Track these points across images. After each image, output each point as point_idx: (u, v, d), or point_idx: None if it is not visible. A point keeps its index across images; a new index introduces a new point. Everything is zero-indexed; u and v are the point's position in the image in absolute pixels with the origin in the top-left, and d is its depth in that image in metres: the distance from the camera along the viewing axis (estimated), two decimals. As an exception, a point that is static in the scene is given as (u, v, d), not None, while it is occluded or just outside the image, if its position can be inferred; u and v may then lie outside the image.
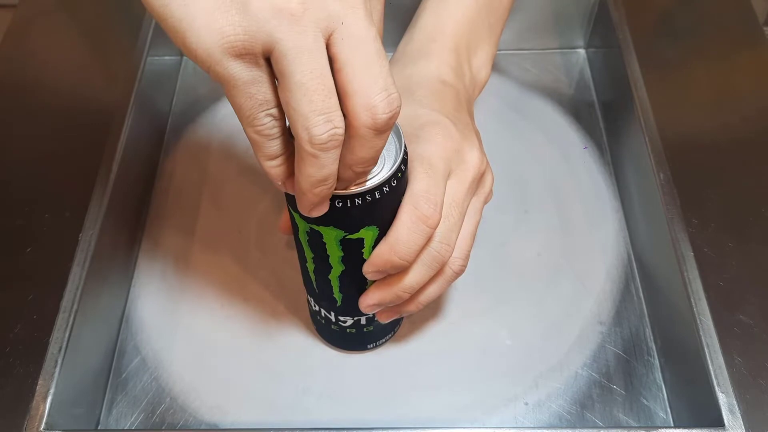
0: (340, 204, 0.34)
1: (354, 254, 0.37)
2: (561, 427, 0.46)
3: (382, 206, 0.35)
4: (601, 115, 0.62)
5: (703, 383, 0.42)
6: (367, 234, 0.36)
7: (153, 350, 0.49)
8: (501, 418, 0.46)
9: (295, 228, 0.38)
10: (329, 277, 0.40)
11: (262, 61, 0.29)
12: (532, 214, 0.56)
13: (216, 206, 0.57)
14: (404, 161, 0.35)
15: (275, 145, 0.31)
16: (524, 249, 0.54)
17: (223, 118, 0.63)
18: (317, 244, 0.37)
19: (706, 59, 0.57)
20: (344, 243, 0.37)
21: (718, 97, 0.55)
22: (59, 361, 0.42)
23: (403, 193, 0.36)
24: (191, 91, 0.65)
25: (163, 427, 0.46)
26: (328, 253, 0.38)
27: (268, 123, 0.30)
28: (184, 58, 0.67)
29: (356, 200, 0.34)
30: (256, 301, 0.51)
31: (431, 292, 0.40)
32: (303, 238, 0.38)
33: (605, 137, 0.61)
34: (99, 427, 0.46)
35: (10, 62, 0.58)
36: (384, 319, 0.42)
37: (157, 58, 0.60)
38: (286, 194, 0.36)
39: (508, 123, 0.62)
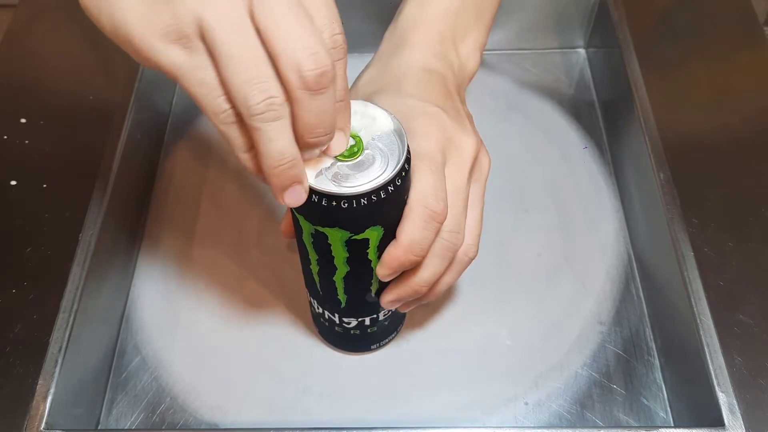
0: (346, 204, 0.34)
1: (359, 255, 0.37)
2: (561, 427, 0.46)
3: (387, 206, 0.35)
4: (601, 115, 0.62)
5: (703, 383, 0.42)
6: (372, 234, 0.36)
7: (153, 350, 0.49)
8: (501, 418, 0.46)
9: (299, 230, 0.38)
10: (334, 278, 0.40)
11: (199, 44, 0.30)
12: (532, 214, 0.56)
13: (216, 206, 0.57)
14: (407, 160, 0.35)
15: (244, 134, 0.32)
16: (524, 249, 0.54)
17: (223, 118, 0.63)
18: (322, 245, 0.37)
19: (706, 59, 0.57)
20: (349, 244, 0.37)
21: (718, 97, 0.55)
22: (59, 361, 0.42)
23: (407, 191, 0.36)
24: (191, 91, 0.65)
25: (163, 427, 0.46)
26: (333, 254, 0.37)
27: (229, 108, 0.31)
28: (184, 58, 0.67)
29: (362, 200, 0.34)
30: (256, 301, 0.51)
31: (447, 279, 0.41)
32: (307, 240, 0.38)
33: (605, 137, 0.61)
34: (99, 427, 0.46)
35: (10, 62, 0.58)
36: (404, 310, 0.43)
37: (157, 58, 0.60)
38: None
39: (508, 123, 0.62)
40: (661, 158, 0.50)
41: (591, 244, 0.54)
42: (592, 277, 0.52)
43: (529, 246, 0.54)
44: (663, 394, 0.47)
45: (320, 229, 0.36)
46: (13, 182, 0.50)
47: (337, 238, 0.36)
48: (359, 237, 0.36)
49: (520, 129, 0.61)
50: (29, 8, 0.61)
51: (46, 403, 0.41)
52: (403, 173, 0.35)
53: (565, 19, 0.65)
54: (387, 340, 0.48)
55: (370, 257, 0.38)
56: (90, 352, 0.46)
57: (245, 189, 0.57)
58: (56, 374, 0.42)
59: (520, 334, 0.50)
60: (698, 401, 0.43)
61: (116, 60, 0.57)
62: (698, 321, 0.43)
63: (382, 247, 0.37)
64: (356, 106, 0.36)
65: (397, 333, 0.49)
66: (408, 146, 0.36)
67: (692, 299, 0.44)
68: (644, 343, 0.49)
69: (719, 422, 0.40)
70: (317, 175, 0.34)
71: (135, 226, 0.54)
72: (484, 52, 0.68)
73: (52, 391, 0.41)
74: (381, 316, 0.44)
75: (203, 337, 0.50)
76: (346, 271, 0.39)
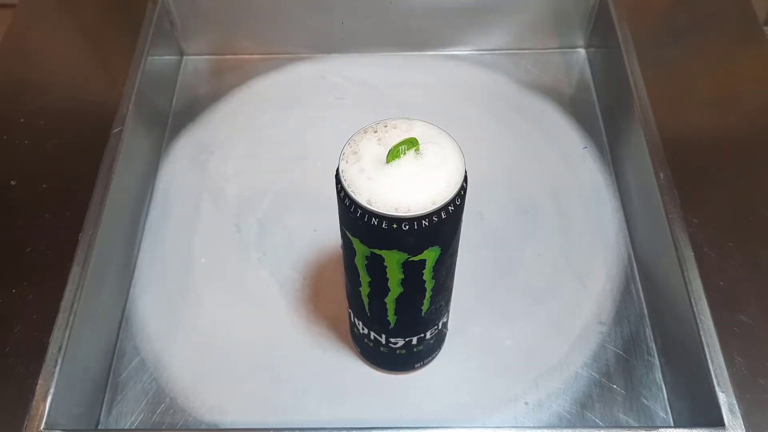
0: (407, 227, 0.33)
1: (414, 276, 0.37)
2: (561, 427, 0.46)
3: (446, 225, 0.34)
4: (601, 115, 0.62)
5: (703, 383, 0.42)
6: (430, 255, 0.35)
7: (153, 350, 0.49)
8: (501, 418, 0.46)
9: (350, 253, 0.37)
10: (385, 300, 0.39)
11: None
12: (532, 214, 0.56)
13: (216, 206, 0.57)
14: (465, 178, 0.35)
15: None
16: (524, 249, 0.54)
17: (223, 117, 0.63)
18: (377, 268, 0.36)
19: (706, 59, 0.57)
20: (406, 265, 0.36)
21: (718, 96, 0.55)
22: (59, 361, 0.42)
23: (463, 209, 0.36)
24: (191, 91, 0.65)
25: (163, 427, 0.46)
26: (387, 276, 0.37)
27: None
28: (184, 57, 0.67)
29: (423, 222, 0.33)
30: (256, 301, 0.51)
31: None
32: (360, 263, 0.37)
33: (605, 137, 0.61)
34: (99, 427, 0.46)
35: (10, 62, 0.58)
36: None
37: (157, 58, 0.60)
38: (344, 219, 0.35)
39: (508, 123, 0.62)
40: (661, 158, 0.50)
41: (591, 244, 0.54)
42: (592, 277, 0.52)
43: (529, 246, 0.54)
44: (663, 394, 0.47)
45: (377, 251, 0.35)
46: (13, 182, 0.50)
47: (393, 260, 0.35)
48: (417, 258, 0.35)
49: (520, 129, 0.61)
50: (29, 8, 0.61)
51: (46, 403, 0.41)
52: (462, 192, 0.34)
53: (565, 19, 0.65)
54: (430, 359, 0.47)
55: (425, 278, 0.37)
56: (90, 352, 0.46)
57: (245, 189, 0.57)
58: (56, 374, 0.42)
59: (520, 334, 0.50)
60: (698, 401, 0.43)
61: (116, 60, 0.57)
62: (698, 321, 0.43)
63: (437, 267, 0.37)
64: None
65: (440, 350, 0.48)
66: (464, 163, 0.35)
67: (692, 299, 0.44)
68: (644, 343, 0.49)
69: (719, 422, 0.40)
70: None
71: (135, 226, 0.54)
72: (485, 52, 0.68)
73: (52, 391, 0.41)
74: (428, 335, 0.43)
75: (203, 337, 0.50)
76: (399, 292, 0.38)
